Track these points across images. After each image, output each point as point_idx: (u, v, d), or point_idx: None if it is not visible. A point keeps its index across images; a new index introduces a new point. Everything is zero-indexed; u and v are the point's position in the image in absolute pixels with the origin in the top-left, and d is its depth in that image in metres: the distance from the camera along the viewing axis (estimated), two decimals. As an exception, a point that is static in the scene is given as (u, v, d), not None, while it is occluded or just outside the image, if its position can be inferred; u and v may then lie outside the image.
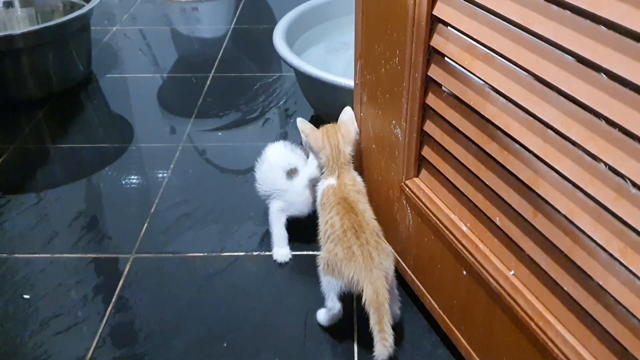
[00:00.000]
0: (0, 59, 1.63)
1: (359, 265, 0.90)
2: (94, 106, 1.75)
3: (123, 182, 1.40)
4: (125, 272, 1.14)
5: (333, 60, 1.76)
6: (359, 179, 1.04)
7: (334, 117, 1.47)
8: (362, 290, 0.88)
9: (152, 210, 1.29)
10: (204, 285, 1.10)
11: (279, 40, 1.52)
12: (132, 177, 1.41)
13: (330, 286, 0.95)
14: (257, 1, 2.53)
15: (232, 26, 2.26)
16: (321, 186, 1.04)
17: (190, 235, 1.22)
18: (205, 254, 1.17)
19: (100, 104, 1.77)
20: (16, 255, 1.18)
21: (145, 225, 1.25)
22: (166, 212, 1.29)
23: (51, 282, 1.12)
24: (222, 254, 1.17)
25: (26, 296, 1.09)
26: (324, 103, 1.49)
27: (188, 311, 1.05)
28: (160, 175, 1.41)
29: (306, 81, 1.48)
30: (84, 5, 1.83)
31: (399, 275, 1.06)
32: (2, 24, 1.95)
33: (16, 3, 1.93)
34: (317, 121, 1.59)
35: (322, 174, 1.06)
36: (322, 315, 1.01)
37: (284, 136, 1.56)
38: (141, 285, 1.11)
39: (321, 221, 1.00)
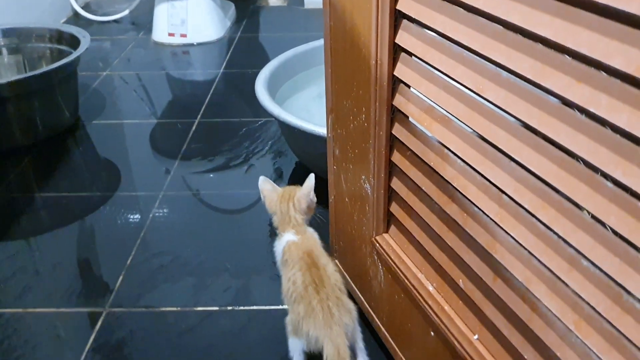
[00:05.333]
0: (-15, 107, 1.64)
1: (319, 322, 0.89)
2: (80, 153, 1.75)
3: (103, 232, 1.39)
4: (97, 327, 1.12)
5: (318, 108, 1.77)
6: (315, 235, 1.05)
7: (315, 165, 1.47)
8: (323, 348, 0.88)
9: (129, 262, 1.28)
10: (176, 341, 1.08)
11: (260, 88, 1.53)
12: (112, 227, 1.40)
13: (295, 349, 0.94)
14: (250, 45, 2.56)
15: (222, 70, 2.28)
16: (280, 243, 1.04)
17: (165, 288, 1.21)
18: (179, 308, 1.15)
19: (87, 150, 1.77)
20: (-13, 309, 1.17)
21: (121, 278, 1.24)
22: (143, 263, 1.28)
23: (19, 338, 1.10)
24: (195, 309, 1.15)
25: (-6, 353, 1.07)
26: (304, 151, 1.49)
27: (158, 369, 1.03)
28: (138, 225, 1.40)
29: (286, 129, 1.48)
30: (71, 52, 1.84)
31: (374, 331, 1.04)
32: (-11, 71, 1.97)
33: (4, 50, 1.94)
34: (301, 168, 1.59)
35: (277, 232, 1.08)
36: None
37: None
38: (113, 342, 1.09)
39: (284, 279, 0.99)
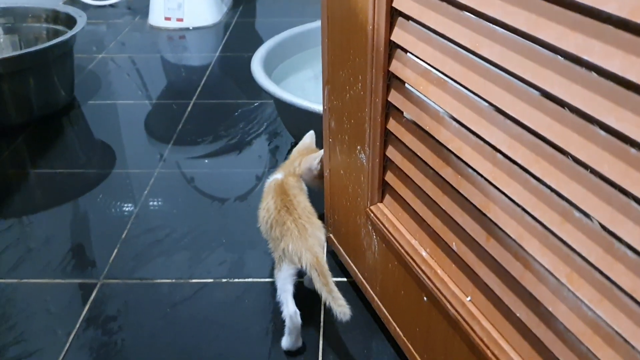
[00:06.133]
0: (-20, 84, 1.64)
1: (295, 236, 0.96)
2: (74, 132, 1.75)
3: (97, 207, 1.39)
4: (92, 298, 1.12)
5: (314, 88, 1.77)
6: (304, 185, 1.11)
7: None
8: (302, 260, 0.94)
9: (124, 236, 1.28)
10: (170, 312, 1.08)
11: (256, 66, 1.53)
12: (107, 203, 1.40)
13: (283, 284, 0.98)
14: (247, 30, 2.55)
15: (218, 54, 2.28)
16: (269, 179, 1.12)
17: (159, 261, 1.21)
18: (173, 280, 1.16)
19: (82, 129, 1.76)
20: (-18, 280, 1.17)
21: (116, 250, 1.24)
22: (137, 238, 1.28)
23: (14, 308, 1.10)
24: (190, 281, 1.15)
25: (-12, 322, 1.07)
26: (300, 130, 1.49)
27: (152, 339, 1.03)
28: (134, 201, 1.40)
29: (282, 108, 1.48)
30: (67, 32, 1.84)
31: (368, 302, 1.05)
32: (-15, 51, 1.96)
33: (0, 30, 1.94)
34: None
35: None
36: (285, 339, 1.00)
37: (263, 163, 1.55)
38: (106, 312, 1.09)
39: (260, 209, 1.07)
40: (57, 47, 1.70)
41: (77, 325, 1.06)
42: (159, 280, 1.16)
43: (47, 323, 1.07)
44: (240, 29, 2.55)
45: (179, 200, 1.41)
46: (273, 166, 1.53)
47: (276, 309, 1.07)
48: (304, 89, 1.76)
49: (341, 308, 0.88)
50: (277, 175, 1.11)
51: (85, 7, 2.78)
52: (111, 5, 2.83)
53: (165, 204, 1.40)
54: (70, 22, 1.88)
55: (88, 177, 1.50)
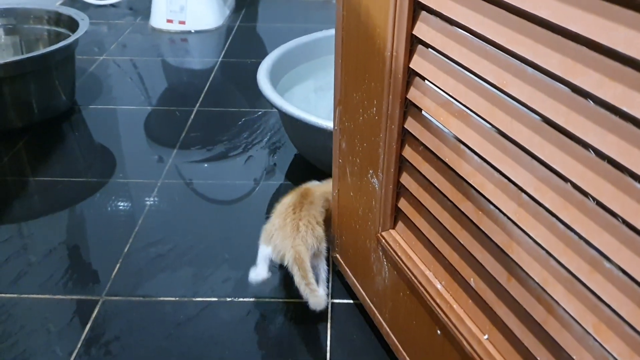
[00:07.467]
0: (-20, 88, 1.61)
1: (286, 233, 0.98)
2: (75, 137, 1.72)
3: (99, 218, 1.37)
4: (93, 315, 1.10)
5: (318, 100, 1.75)
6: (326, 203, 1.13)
7: (315, 157, 1.45)
8: (285, 258, 0.96)
9: (126, 250, 1.26)
10: (174, 332, 1.06)
11: (262, 79, 1.51)
12: (109, 213, 1.38)
13: (263, 255, 1.03)
14: (249, 34, 2.53)
15: (221, 59, 2.25)
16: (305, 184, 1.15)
17: (162, 278, 1.19)
18: (177, 298, 1.14)
19: (83, 135, 1.74)
20: (-19, 294, 1.14)
21: (118, 265, 1.22)
22: (140, 252, 1.26)
23: (15, 324, 1.08)
24: (193, 299, 1.13)
25: (-13, 339, 1.05)
26: (305, 143, 1.47)
27: (155, 360, 1.02)
28: (136, 213, 1.38)
29: (288, 121, 1.47)
30: (69, 35, 1.81)
31: (375, 327, 1.03)
32: (-15, 52, 1.93)
33: (1, 31, 1.91)
34: (300, 160, 1.58)
35: None
36: (252, 273, 1.06)
37: (267, 175, 1.53)
38: (109, 331, 1.07)
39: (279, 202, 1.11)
40: (59, 52, 1.68)
41: (80, 344, 1.04)
42: (162, 298, 1.14)
43: (48, 341, 1.05)
44: (243, 34, 2.52)
45: (182, 212, 1.39)
46: (277, 179, 1.51)
47: (283, 331, 1.05)
48: (309, 101, 1.74)
49: (316, 299, 0.93)
50: (313, 182, 1.14)
51: (86, 7, 2.75)
52: (112, 5, 2.80)
53: (168, 215, 1.38)
54: (72, 24, 1.85)
55: (89, 186, 1.48)
